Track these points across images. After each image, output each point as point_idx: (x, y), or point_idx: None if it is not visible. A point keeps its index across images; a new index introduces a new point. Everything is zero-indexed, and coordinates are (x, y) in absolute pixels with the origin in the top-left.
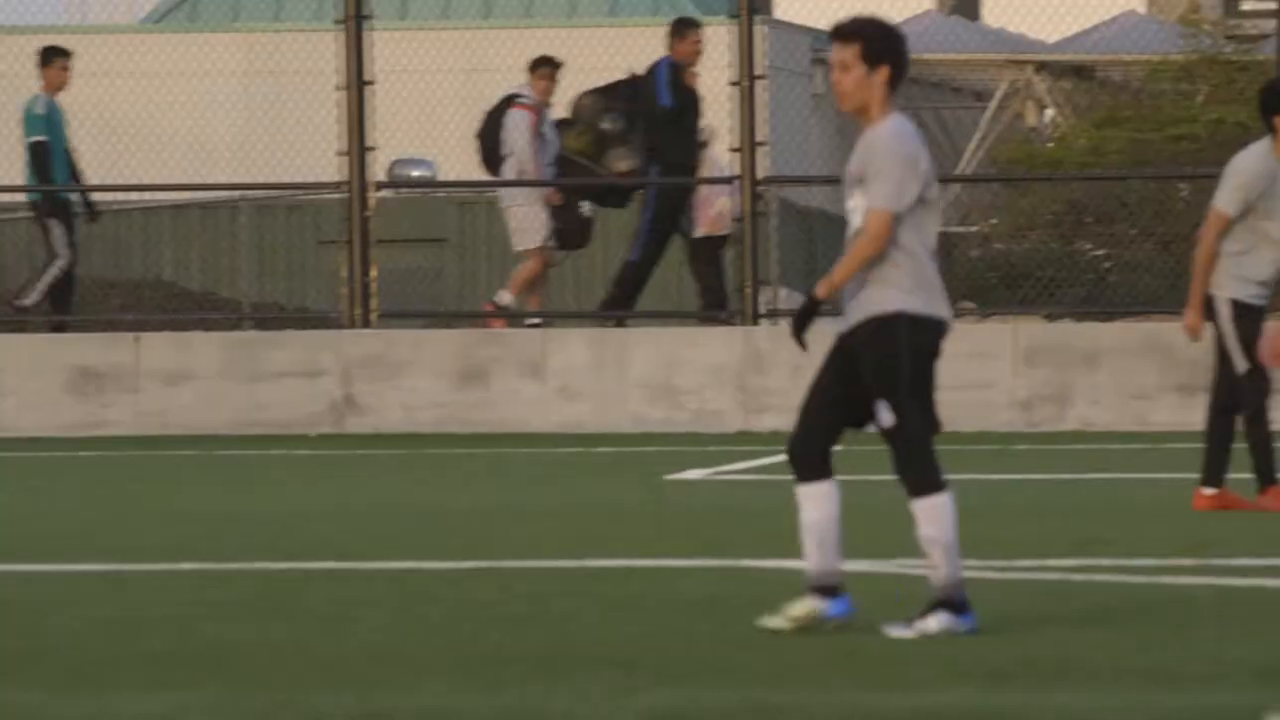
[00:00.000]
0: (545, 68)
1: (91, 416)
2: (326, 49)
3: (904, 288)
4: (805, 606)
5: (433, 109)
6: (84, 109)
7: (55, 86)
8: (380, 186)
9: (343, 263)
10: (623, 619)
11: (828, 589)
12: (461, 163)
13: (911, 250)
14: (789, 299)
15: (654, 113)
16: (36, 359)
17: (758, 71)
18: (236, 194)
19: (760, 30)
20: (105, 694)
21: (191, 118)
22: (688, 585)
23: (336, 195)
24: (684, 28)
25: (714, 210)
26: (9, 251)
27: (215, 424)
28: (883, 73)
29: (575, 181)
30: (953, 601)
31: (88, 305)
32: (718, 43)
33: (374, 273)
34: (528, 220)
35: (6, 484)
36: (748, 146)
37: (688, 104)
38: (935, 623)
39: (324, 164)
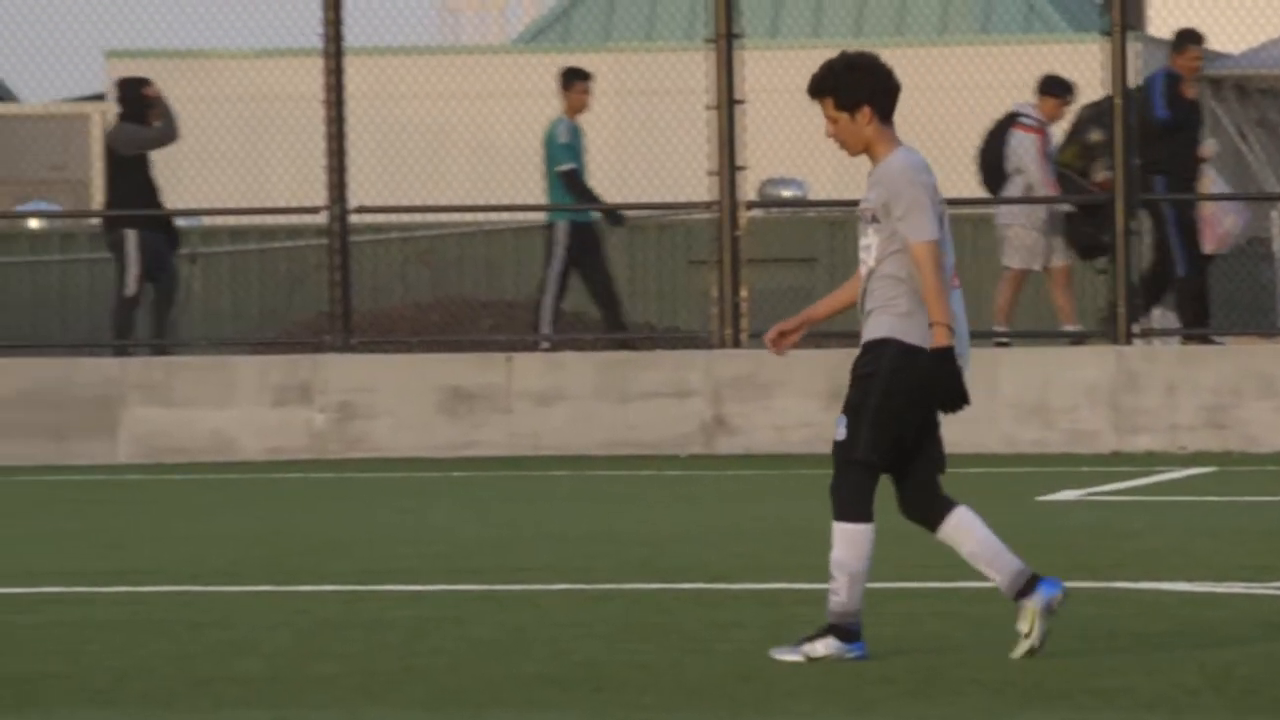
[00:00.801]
0: (1055, 90)
1: (464, 437)
2: (697, 68)
3: (900, 314)
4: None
5: (804, 128)
6: (457, 130)
7: (576, 109)
8: (751, 206)
9: (713, 282)
10: (992, 640)
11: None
12: (832, 182)
13: (913, 280)
14: (1162, 319)
15: (1149, 126)
16: (410, 380)
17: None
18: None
19: (1133, 47)
20: (482, 714)
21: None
22: (1062, 607)
23: (707, 215)
24: (1184, 41)
25: (1222, 228)
26: (474, 268)
27: (587, 444)
28: (864, 113)
29: (1018, 200)
30: (842, 629)
31: (460, 326)
32: (1089, 60)
33: (744, 292)
34: (1023, 240)
35: (381, 505)
36: (1122, 164)
37: (1187, 117)
38: (823, 647)
39: (694, 183)
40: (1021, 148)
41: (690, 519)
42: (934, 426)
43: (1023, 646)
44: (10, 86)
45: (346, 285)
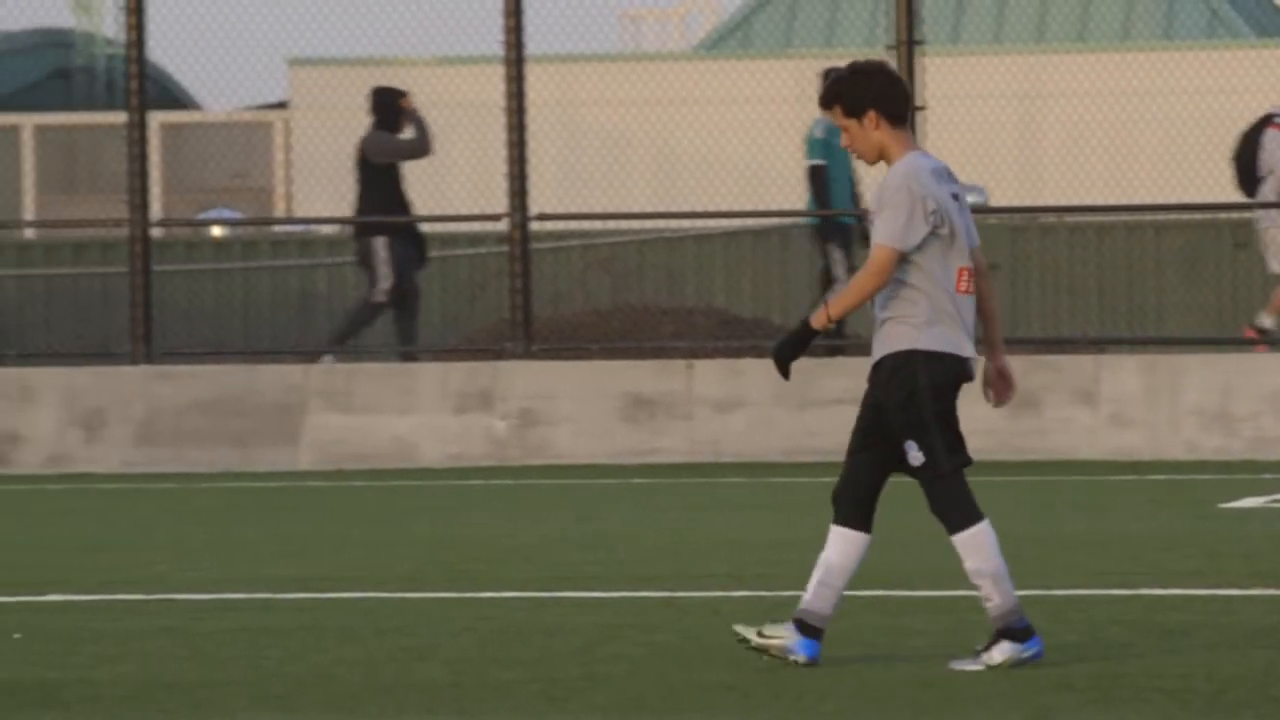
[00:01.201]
0: None
1: (644, 444)
2: None
3: (918, 324)
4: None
5: (985, 135)
6: (638, 137)
7: None
8: None
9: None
10: (1176, 649)
11: (810, 629)
12: (1013, 188)
13: (927, 289)
14: None
15: None
16: (590, 387)
17: None
18: (789, 220)
19: None
20: None
21: (744, 144)
22: (1243, 615)
23: None
24: None
25: None
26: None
27: (767, 451)
28: (871, 118)
29: (1247, 205)
30: (1012, 630)
31: (641, 332)
32: (1274, 65)
33: None
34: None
35: (561, 511)
36: None
37: None
38: (999, 653)
39: (871, 190)
40: (1273, 144)
41: (902, 524)
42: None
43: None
44: (193, 95)
45: (527, 292)
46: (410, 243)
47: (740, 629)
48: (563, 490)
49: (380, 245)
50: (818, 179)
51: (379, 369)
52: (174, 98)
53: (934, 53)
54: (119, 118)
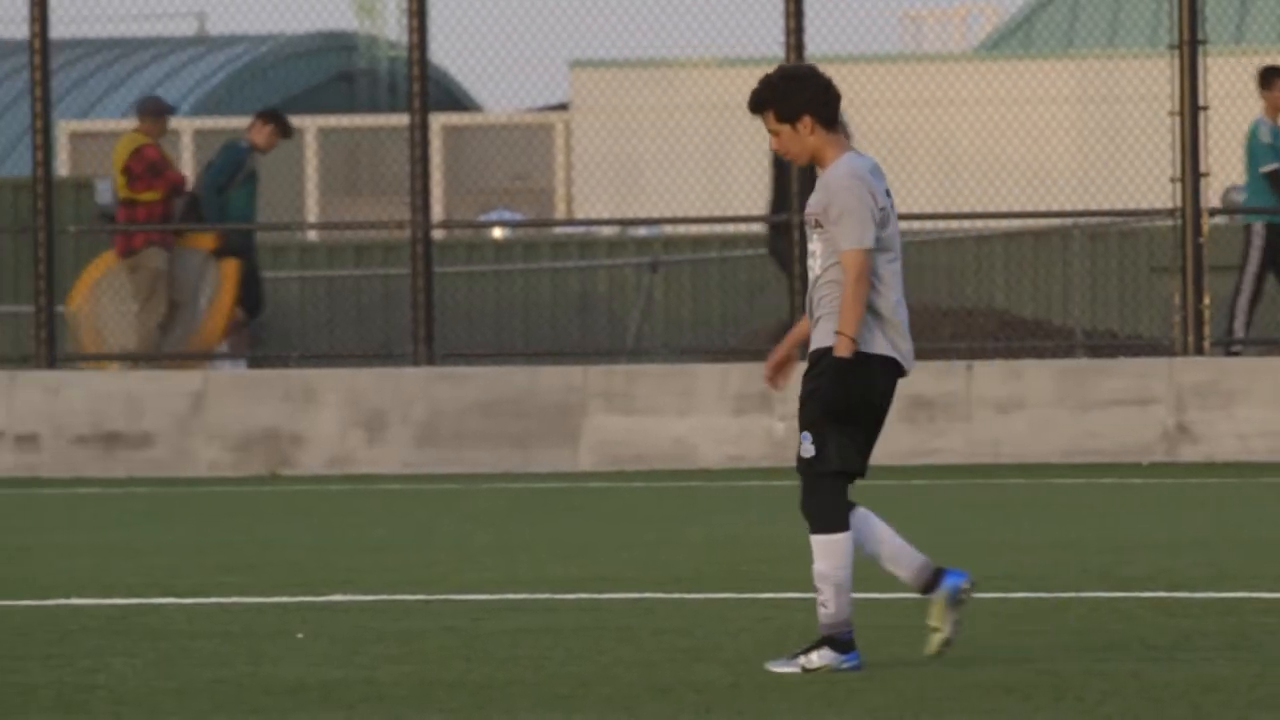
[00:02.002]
0: None
1: (924, 445)
2: (1160, 74)
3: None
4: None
5: None
6: (918, 137)
7: (1277, 109)
8: (1214, 213)
9: (1176, 290)
10: None
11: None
12: None
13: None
14: None
15: None
16: None
17: None
18: (1070, 221)
19: None
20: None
21: (1025, 145)
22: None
23: (1169, 222)
24: None
25: None
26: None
27: (1047, 452)
28: (805, 123)
29: None
30: (836, 640)
31: (921, 333)
32: None
33: (1207, 300)
34: None
35: None
36: None
37: None
38: (818, 658)
39: (1157, 191)
40: None
41: (1151, 527)
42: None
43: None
44: (475, 96)
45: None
46: None
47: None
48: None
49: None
50: (1276, 182)
51: (659, 370)
52: (455, 100)
53: (1216, 52)
54: (401, 120)
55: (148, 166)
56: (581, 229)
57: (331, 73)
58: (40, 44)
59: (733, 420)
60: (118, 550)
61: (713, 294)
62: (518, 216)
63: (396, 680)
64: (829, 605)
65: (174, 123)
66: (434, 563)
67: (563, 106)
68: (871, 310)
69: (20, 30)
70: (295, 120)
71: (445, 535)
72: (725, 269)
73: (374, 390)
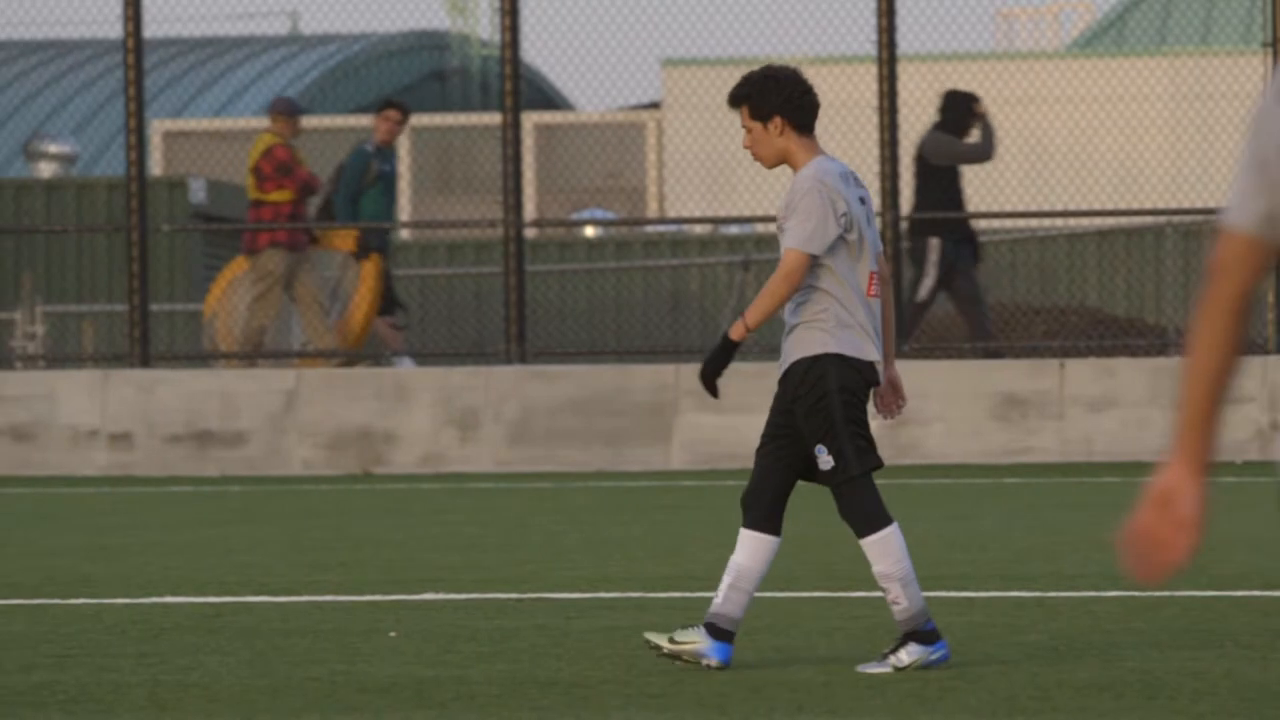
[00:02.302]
0: None
1: (1016, 443)
2: (1253, 72)
3: (828, 329)
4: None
5: None
6: (1010, 135)
7: None
8: None
9: (1269, 288)
10: None
11: (722, 632)
12: None
13: (837, 293)
14: None
15: None
16: (963, 386)
17: None
18: (1163, 219)
19: None
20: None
21: (1118, 143)
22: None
23: None
24: None
25: None
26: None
27: (1140, 451)
28: (776, 123)
29: None
30: (919, 633)
31: (1014, 332)
32: None
33: None
34: None
35: (933, 511)
36: None
37: None
38: (906, 655)
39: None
40: None
41: (1245, 525)
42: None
43: (872, 667)
44: (567, 95)
45: (899, 292)
46: (964, 241)
47: (651, 636)
48: (934, 490)
49: (933, 246)
50: None
51: (750, 368)
52: (548, 98)
53: None
54: (493, 119)
55: (277, 166)
56: (673, 227)
57: (424, 72)
58: (134, 43)
59: None
60: (211, 548)
61: None
62: (610, 215)
63: (488, 678)
64: (900, 601)
65: (265, 122)
66: (526, 561)
67: (655, 105)
68: (841, 322)
69: (114, 30)
70: None
71: (537, 533)
72: None
73: (466, 388)
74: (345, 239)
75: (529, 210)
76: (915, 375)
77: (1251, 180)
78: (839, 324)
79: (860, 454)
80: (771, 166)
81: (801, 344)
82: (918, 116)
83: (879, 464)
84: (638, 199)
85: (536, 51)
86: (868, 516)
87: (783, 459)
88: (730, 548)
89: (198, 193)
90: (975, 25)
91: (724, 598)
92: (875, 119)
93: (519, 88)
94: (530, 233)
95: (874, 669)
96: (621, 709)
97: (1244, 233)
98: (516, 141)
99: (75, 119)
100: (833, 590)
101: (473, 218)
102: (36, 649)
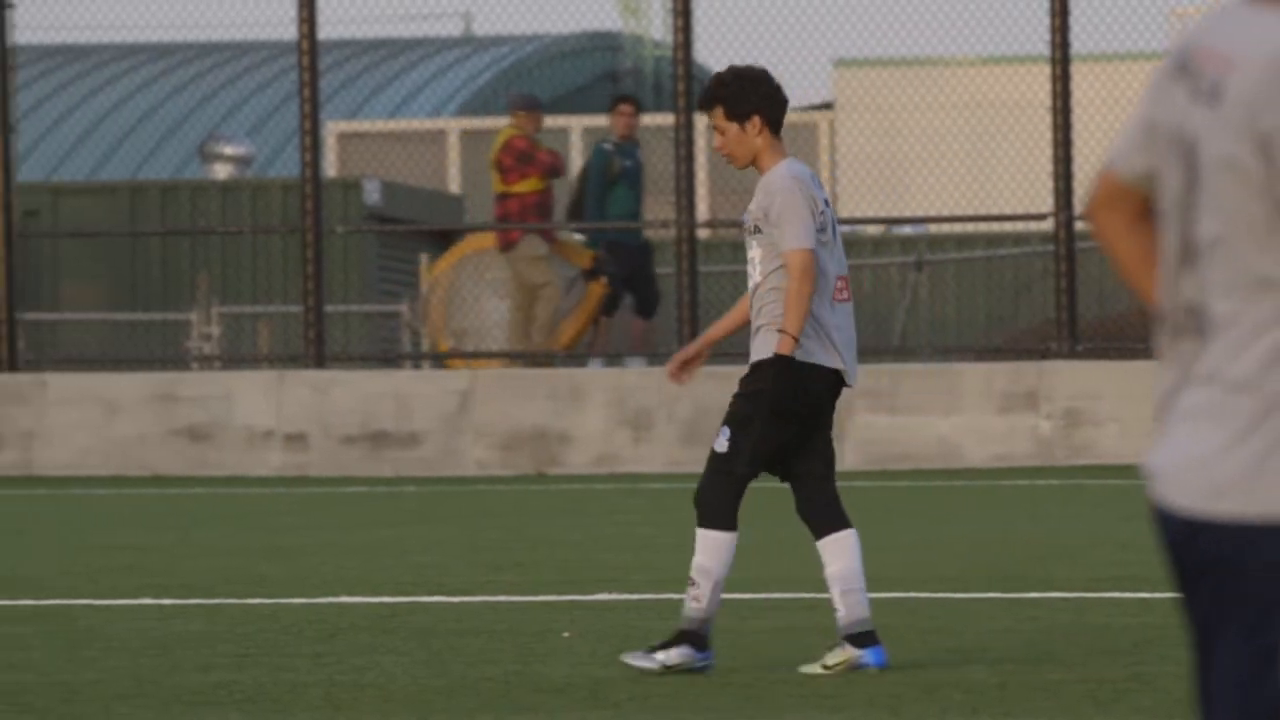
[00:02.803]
0: None
1: None
2: None
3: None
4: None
5: None
6: None
7: None
8: None
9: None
10: None
11: (866, 636)
12: None
13: None
14: None
15: None
16: (1136, 386)
17: None
18: None
19: None
20: None
21: None
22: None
23: None
24: None
25: None
26: None
27: None
28: (754, 123)
29: None
30: (699, 635)
31: None
32: None
33: None
34: None
35: (1107, 511)
36: None
37: None
38: (676, 654)
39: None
40: None
41: None
42: (825, 428)
43: (811, 668)
44: None
45: (1073, 292)
46: None
47: (807, 668)
48: (1108, 491)
49: None
50: None
51: (923, 370)
52: None
53: None
54: (666, 119)
55: (517, 156)
56: (846, 228)
57: (596, 73)
58: (308, 45)
59: (998, 419)
60: (386, 549)
61: (977, 292)
62: None
63: (662, 678)
64: (702, 600)
65: (440, 123)
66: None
67: (827, 105)
68: (813, 318)
69: (289, 32)
70: (561, 120)
71: None
72: (990, 267)
73: (639, 388)
74: (583, 256)
75: (701, 211)
76: (1088, 375)
77: (1140, 136)
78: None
79: (753, 458)
80: (743, 167)
81: (764, 345)
82: (1090, 116)
83: (753, 474)
84: None
85: (709, 52)
86: (718, 513)
87: (796, 468)
88: (902, 548)
89: (372, 194)
90: (1149, 25)
91: (844, 606)
92: (1049, 119)
93: (691, 88)
94: (703, 233)
95: (638, 662)
96: (795, 709)
97: (1123, 181)
98: (689, 142)
99: (251, 121)
100: (1005, 592)
101: (646, 218)
102: (214, 649)
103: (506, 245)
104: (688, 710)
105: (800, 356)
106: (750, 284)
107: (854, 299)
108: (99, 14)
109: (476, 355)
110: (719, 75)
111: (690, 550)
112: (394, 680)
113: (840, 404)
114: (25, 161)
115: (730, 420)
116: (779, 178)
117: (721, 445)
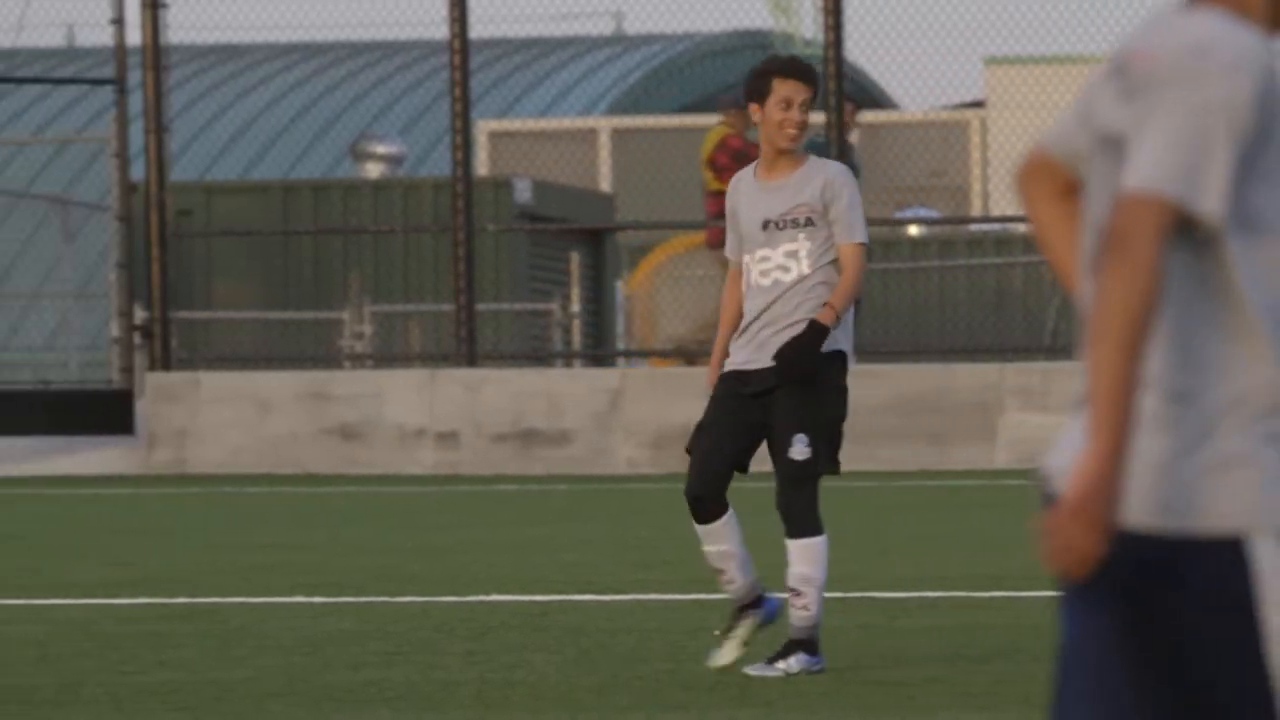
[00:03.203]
0: None
1: None
2: None
3: (843, 325)
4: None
5: None
6: None
7: None
8: None
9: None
10: None
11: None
12: None
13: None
14: None
15: None
16: None
17: None
18: None
19: None
20: None
21: None
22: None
23: None
24: None
25: None
26: None
27: None
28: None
29: None
30: (812, 643)
31: None
32: None
33: None
34: None
35: None
36: None
37: None
38: (796, 663)
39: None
40: None
41: None
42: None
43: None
44: (891, 94)
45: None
46: None
47: (756, 671)
48: None
49: None
50: None
51: (1076, 367)
52: (871, 97)
53: None
54: (817, 118)
55: (732, 156)
56: (997, 226)
57: (747, 72)
58: (460, 44)
59: None
60: (537, 547)
61: None
62: (933, 214)
63: (812, 677)
64: (811, 609)
65: (590, 122)
66: (847, 560)
67: (978, 104)
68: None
69: (440, 31)
70: (709, 119)
71: (859, 532)
72: None
73: None
74: None
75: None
76: None
77: (1076, 121)
78: (847, 319)
79: (831, 458)
80: (794, 148)
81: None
82: None
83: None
84: (961, 198)
85: (860, 50)
86: (808, 521)
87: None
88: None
89: (523, 193)
90: None
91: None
92: None
93: (843, 86)
94: None
95: (762, 672)
96: (947, 708)
97: (1051, 157)
98: (841, 140)
99: (402, 120)
100: None
101: None
102: (365, 646)
103: (715, 245)
104: (839, 709)
105: (848, 348)
106: (785, 278)
107: (1008, 298)
108: (251, 14)
109: (691, 354)
110: (806, 62)
111: (777, 550)
112: (544, 678)
113: (991, 402)
114: (179, 161)
115: (806, 426)
116: (840, 171)
117: (802, 453)
